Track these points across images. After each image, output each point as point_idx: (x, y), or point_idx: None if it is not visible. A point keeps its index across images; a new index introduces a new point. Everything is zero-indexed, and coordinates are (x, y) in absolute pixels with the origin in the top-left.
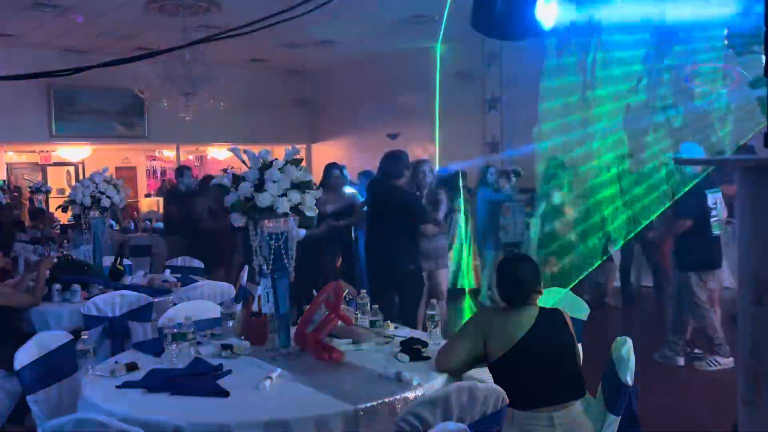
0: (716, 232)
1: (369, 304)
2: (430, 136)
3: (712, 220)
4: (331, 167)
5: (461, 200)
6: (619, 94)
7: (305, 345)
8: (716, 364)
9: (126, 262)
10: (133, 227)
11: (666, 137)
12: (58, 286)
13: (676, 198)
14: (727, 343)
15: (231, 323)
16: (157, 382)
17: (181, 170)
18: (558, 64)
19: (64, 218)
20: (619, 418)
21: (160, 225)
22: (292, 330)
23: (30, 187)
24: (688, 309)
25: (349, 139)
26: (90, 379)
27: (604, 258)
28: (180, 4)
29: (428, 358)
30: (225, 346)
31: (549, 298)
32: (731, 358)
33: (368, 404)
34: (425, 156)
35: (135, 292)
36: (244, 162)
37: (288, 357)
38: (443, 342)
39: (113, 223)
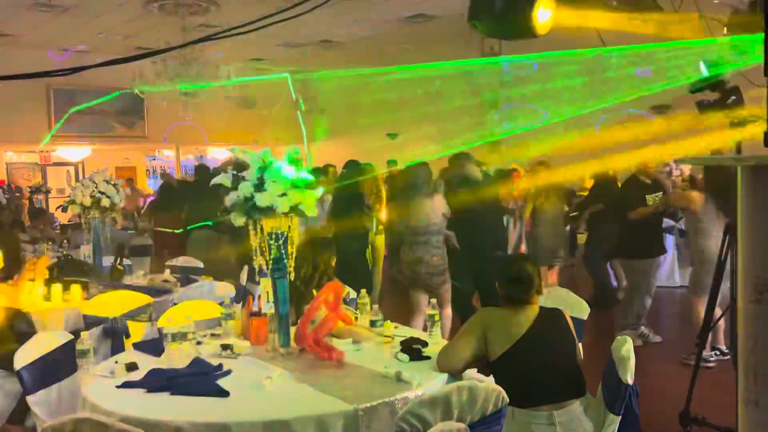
0: None
1: (369, 303)
2: (429, 136)
3: None
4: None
5: None
6: None
7: (305, 345)
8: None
9: (126, 262)
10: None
11: None
12: (58, 286)
13: None
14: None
15: (231, 323)
16: (157, 382)
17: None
18: None
19: (64, 218)
20: (619, 417)
21: None
22: (292, 330)
23: (30, 187)
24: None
25: (348, 139)
26: (90, 379)
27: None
28: (179, 3)
29: (428, 358)
30: (225, 346)
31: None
32: None
33: (368, 404)
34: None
35: (135, 292)
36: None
37: (288, 357)
38: (443, 342)
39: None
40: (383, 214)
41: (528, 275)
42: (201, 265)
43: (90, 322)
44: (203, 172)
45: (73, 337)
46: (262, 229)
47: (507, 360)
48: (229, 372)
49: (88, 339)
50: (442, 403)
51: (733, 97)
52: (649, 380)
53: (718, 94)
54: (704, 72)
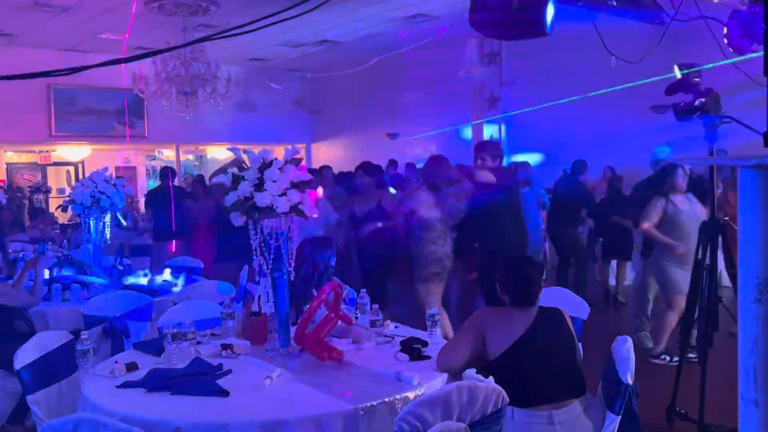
0: None
1: (369, 303)
2: (429, 136)
3: None
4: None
5: None
6: None
7: (305, 345)
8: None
9: (126, 261)
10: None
11: None
12: (58, 286)
13: None
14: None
15: (231, 323)
16: (157, 382)
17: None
18: None
19: (64, 218)
20: (619, 417)
21: None
22: (292, 330)
23: (30, 187)
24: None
25: (348, 139)
26: (90, 379)
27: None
28: (179, 3)
29: (428, 357)
30: (225, 346)
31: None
32: None
33: (368, 404)
34: (425, 155)
35: (135, 292)
36: (243, 162)
37: (288, 357)
38: (443, 342)
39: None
40: None
41: (535, 276)
42: (201, 264)
43: (90, 322)
44: (165, 176)
45: (73, 337)
46: (262, 229)
47: (506, 360)
48: (228, 372)
49: (88, 339)
50: (442, 403)
51: (703, 99)
52: (645, 378)
53: (691, 96)
54: (678, 75)
